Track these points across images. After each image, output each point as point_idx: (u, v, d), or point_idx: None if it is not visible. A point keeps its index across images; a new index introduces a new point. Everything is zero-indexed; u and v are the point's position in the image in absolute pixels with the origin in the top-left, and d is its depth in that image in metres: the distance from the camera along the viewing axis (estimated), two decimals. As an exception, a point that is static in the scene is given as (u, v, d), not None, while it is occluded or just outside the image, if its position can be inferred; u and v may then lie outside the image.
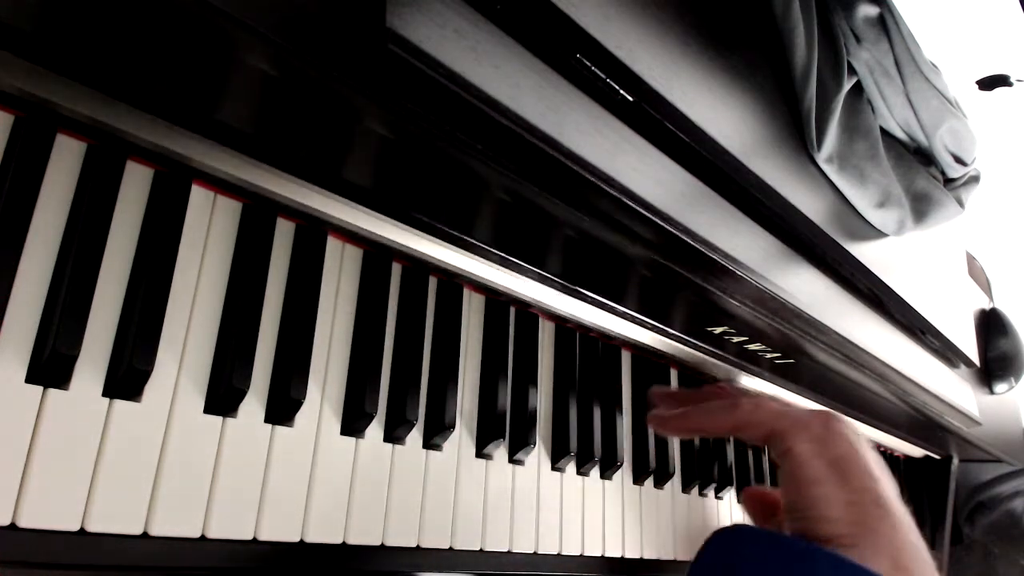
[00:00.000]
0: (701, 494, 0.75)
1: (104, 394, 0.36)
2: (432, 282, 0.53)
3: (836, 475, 0.44)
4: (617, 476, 0.65)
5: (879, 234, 0.65)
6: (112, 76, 0.33)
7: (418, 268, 0.52)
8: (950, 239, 0.87)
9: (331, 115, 0.36)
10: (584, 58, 0.40)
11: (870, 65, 0.58)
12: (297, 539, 0.41)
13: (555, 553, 0.57)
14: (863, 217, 0.63)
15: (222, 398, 0.39)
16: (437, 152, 0.38)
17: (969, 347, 0.85)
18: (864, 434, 0.49)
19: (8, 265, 0.33)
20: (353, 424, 0.45)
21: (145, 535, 0.36)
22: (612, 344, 0.68)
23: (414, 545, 0.47)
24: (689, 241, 0.47)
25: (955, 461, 1.26)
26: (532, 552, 0.55)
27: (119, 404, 0.36)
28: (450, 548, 0.49)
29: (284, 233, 0.45)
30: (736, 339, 0.65)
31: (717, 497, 0.77)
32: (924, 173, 0.66)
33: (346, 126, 0.37)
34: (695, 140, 0.46)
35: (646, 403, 0.69)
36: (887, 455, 1.20)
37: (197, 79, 0.33)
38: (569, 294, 0.55)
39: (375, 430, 0.47)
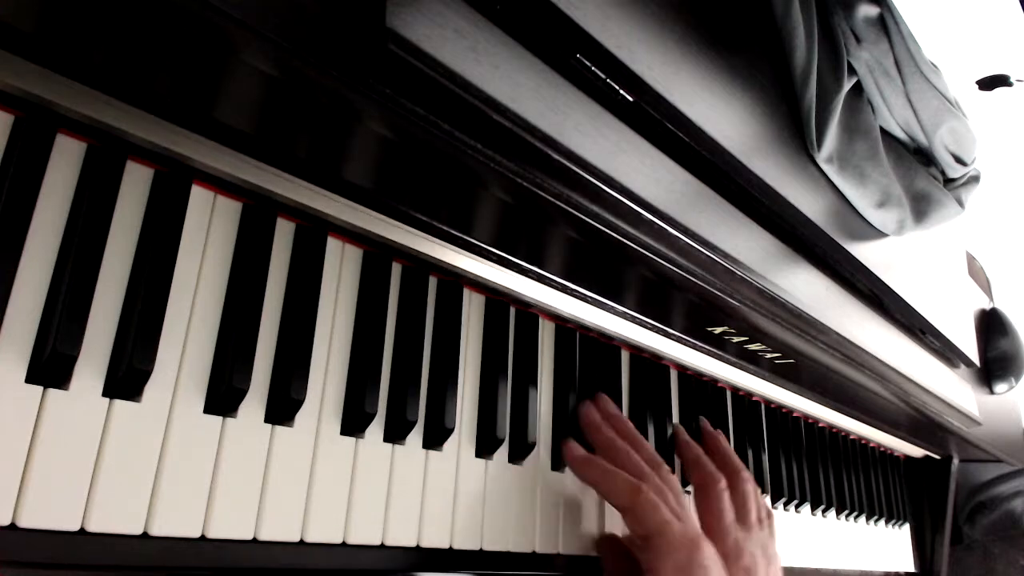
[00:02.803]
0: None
1: (104, 394, 0.36)
2: (432, 282, 0.53)
3: None
4: (617, 476, 0.64)
5: (879, 234, 0.65)
6: (112, 76, 0.33)
7: (418, 268, 0.52)
8: (950, 239, 0.87)
9: (331, 115, 0.36)
10: (584, 58, 0.40)
11: (870, 65, 0.58)
12: (297, 539, 0.41)
13: (554, 553, 0.57)
14: (863, 217, 0.63)
15: (222, 398, 0.39)
16: (437, 152, 0.38)
17: (969, 347, 0.85)
18: (750, 565, 0.55)
19: (8, 265, 0.33)
20: (353, 424, 0.45)
21: (145, 535, 0.36)
22: (612, 344, 0.68)
23: (414, 545, 0.47)
24: (689, 241, 0.47)
25: (955, 461, 1.26)
26: (531, 552, 0.55)
27: (119, 404, 0.36)
28: (450, 547, 0.49)
29: (284, 233, 0.45)
30: (736, 339, 0.65)
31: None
32: (924, 173, 0.66)
33: (346, 126, 0.37)
34: (695, 140, 0.46)
35: (646, 403, 0.69)
36: (887, 455, 1.20)
37: (197, 79, 0.33)
38: (569, 294, 0.55)
39: (375, 430, 0.47)
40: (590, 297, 0.56)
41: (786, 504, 0.88)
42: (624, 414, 0.67)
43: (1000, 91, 0.86)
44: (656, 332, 0.64)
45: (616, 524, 0.63)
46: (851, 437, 1.08)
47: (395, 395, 0.48)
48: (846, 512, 1.01)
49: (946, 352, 0.85)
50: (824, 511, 0.96)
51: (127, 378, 0.36)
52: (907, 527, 1.21)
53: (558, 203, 0.41)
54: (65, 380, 0.35)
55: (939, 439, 1.11)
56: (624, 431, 0.61)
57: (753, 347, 0.67)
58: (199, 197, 0.41)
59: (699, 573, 0.51)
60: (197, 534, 0.37)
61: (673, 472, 0.60)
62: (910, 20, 0.57)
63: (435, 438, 0.50)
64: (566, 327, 0.63)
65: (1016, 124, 0.96)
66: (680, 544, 0.52)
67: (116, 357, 0.36)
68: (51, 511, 0.33)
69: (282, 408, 0.42)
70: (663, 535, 0.52)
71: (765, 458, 0.85)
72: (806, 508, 0.92)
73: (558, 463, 0.59)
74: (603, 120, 0.41)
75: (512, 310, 0.59)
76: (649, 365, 0.71)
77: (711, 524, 0.62)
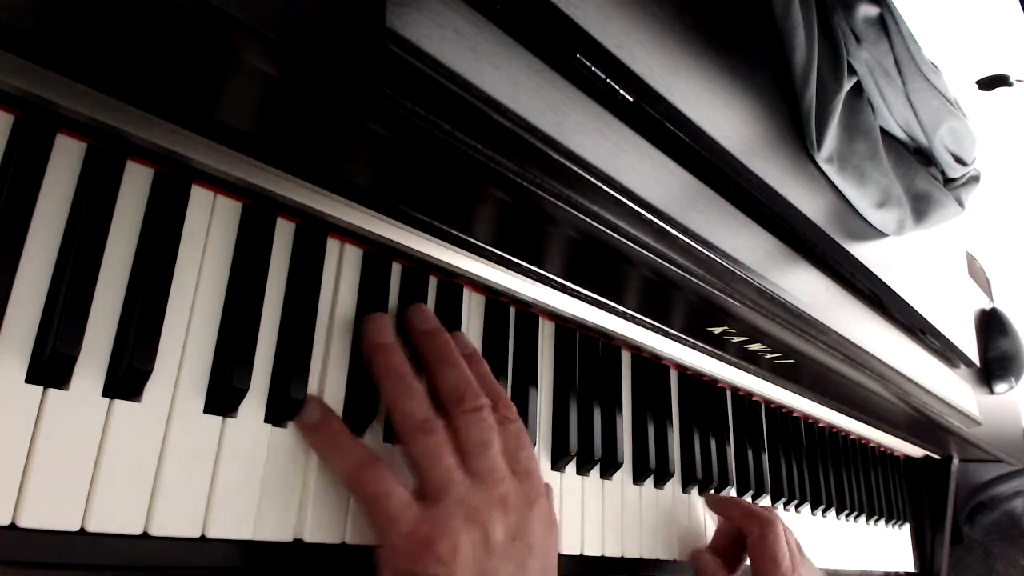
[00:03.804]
0: (701, 494, 0.75)
1: (104, 394, 0.36)
2: (432, 282, 0.53)
3: None
4: (617, 476, 0.65)
5: (879, 234, 0.66)
6: (112, 76, 0.33)
7: (418, 268, 0.52)
8: (950, 239, 0.87)
9: (331, 115, 0.36)
10: (584, 58, 0.40)
11: (870, 65, 0.58)
12: (297, 539, 0.41)
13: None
14: (863, 217, 0.63)
15: (222, 398, 0.39)
16: (437, 152, 0.38)
17: (969, 347, 0.85)
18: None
19: (8, 265, 0.33)
20: (353, 424, 0.45)
21: (145, 535, 0.36)
22: (612, 344, 0.68)
23: (414, 545, 0.47)
24: (689, 241, 0.47)
25: (955, 461, 1.26)
26: (532, 552, 0.55)
27: (119, 404, 0.36)
28: (450, 548, 0.49)
29: (284, 233, 0.45)
30: (736, 339, 0.65)
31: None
32: (924, 173, 0.66)
33: (346, 126, 0.37)
34: (695, 140, 0.46)
35: (646, 403, 0.69)
36: (887, 455, 1.20)
37: (197, 79, 0.33)
38: (569, 294, 0.55)
39: (375, 430, 0.47)
40: (590, 297, 0.56)
41: (786, 504, 0.88)
42: (625, 414, 0.67)
43: (1000, 91, 0.86)
44: (656, 332, 0.64)
45: (615, 534, 0.63)
46: (851, 437, 1.08)
47: (395, 395, 0.48)
48: (846, 512, 1.01)
49: (946, 352, 0.85)
50: (824, 511, 0.96)
51: (127, 378, 0.36)
52: (907, 527, 1.21)
53: (558, 203, 0.41)
54: (65, 380, 0.35)
55: (939, 439, 1.11)
56: (427, 355, 0.47)
57: (753, 347, 0.67)
58: (199, 197, 0.41)
59: None
60: (197, 534, 0.37)
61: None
62: (910, 20, 0.57)
63: (435, 438, 0.50)
64: (566, 327, 0.63)
65: (1016, 124, 0.96)
66: (402, 550, 0.39)
67: (116, 357, 0.36)
68: (51, 511, 0.33)
69: (282, 408, 0.42)
70: (387, 536, 0.40)
71: (765, 458, 0.85)
72: (806, 508, 0.92)
73: (558, 463, 0.59)
74: (603, 120, 0.41)
75: (512, 310, 0.59)
76: (649, 365, 0.72)
77: (771, 569, 0.66)
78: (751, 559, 0.69)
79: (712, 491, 0.76)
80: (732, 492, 0.79)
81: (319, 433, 0.43)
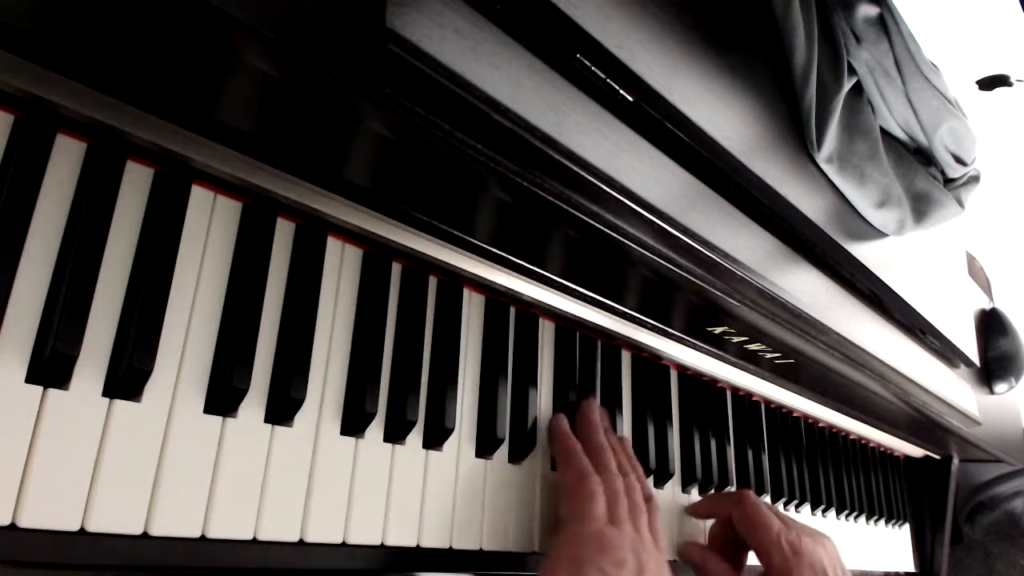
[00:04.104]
0: (701, 495, 0.75)
1: (104, 394, 0.36)
2: (432, 282, 0.53)
3: None
4: (617, 476, 0.65)
5: (879, 234, 0.65)
6: (112, 76, 0.33)
7: (418, 268, 0.52)
8: (950, 239, 0.87)
9: (331, 115, 0.36)
10: (584, 58, 0.40)
11: (870, 65, 0.58)
12: (297, 539, 0.41)
13: (555, 553, 0.57)
14: (863, 217, 0.63)
15: (222, 398, 0.39)
16: (437, 152, 0.38)
17: (969, 347, 0.85)
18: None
19: (8, 265, 0.33)
20: (353, 424, 0.45)
21: (145, 535, 0.36)
22: (612, 344, 0.68)
23: (414, 545, 0.47)
24: (689, 241, 0.47)
25: (955, 461, 1.26)
26: (531, 552, 0.55)
27: (119, 404, 0.36)
28: (449, 547, 0.49)
29: (284, 233, 0.45)
30: (736, 339, 0.65)
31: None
32: (924, 173, 0.66)
33: (346, 126, 0.37)
34: (695, 140, 0.46)
35: (646, 403, 0.69)
36: (887, 455, 1.20)
37: (197, 79, 0.33)
38: (569, 294, 0.55)
39: (375, 430, 0.47)
40: (590, 297, 0.56)
41: (786, 504, 0.88)
42: (625, 414, 0.67)
43: (1000, 91, 0.86)
44: (656, 332, 0.64)
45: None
46: (851, 437, 1.08)
47: (395, 395, 0.48)
48: (846, 512, 1.01)
49: (946, 352, 0.85)
50: (824, 511, 0.96)
51: (127, 378, 0.36)
52: (907, 527, 1.21)
53: (558, 203, 0.41)
54: (65, 380, 0.35)
55: (939, 439, 1.11)
56: (613, 440, 0.61)
57: (753, 347, 0.67)
58: (199, 197, 0.41)
59: (597, 573, 0.49)
60: (197, 534, 0.37)
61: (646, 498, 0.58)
62: (910, 20, 0.57)
63: (435, 438, 0.50)
64: (566, 327, 0.63)
65: (1016, 124, 0.96)
66: (593, 540, 0.51)
67: (116, 357, 0.36)
68: (51, 511, 0.33)
69: (282, 408, 0.42)
70: (582, 524, 0.52)
71: (765, 458, 0.85)
72: (806, 508, 0.92)
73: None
74: (603, 120, 0.41)
75: (512, 310, 0.59)
76: (649, 365, 0.71)
77: (764, 537, 0.66)
78: (744, 538, 0.68)
79: (712, 491, 0.76)
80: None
81: (565, 442, 0.57)
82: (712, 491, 0.76)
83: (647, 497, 0.59)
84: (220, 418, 0.40)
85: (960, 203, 0.69)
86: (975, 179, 0.71)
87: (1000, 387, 1.12)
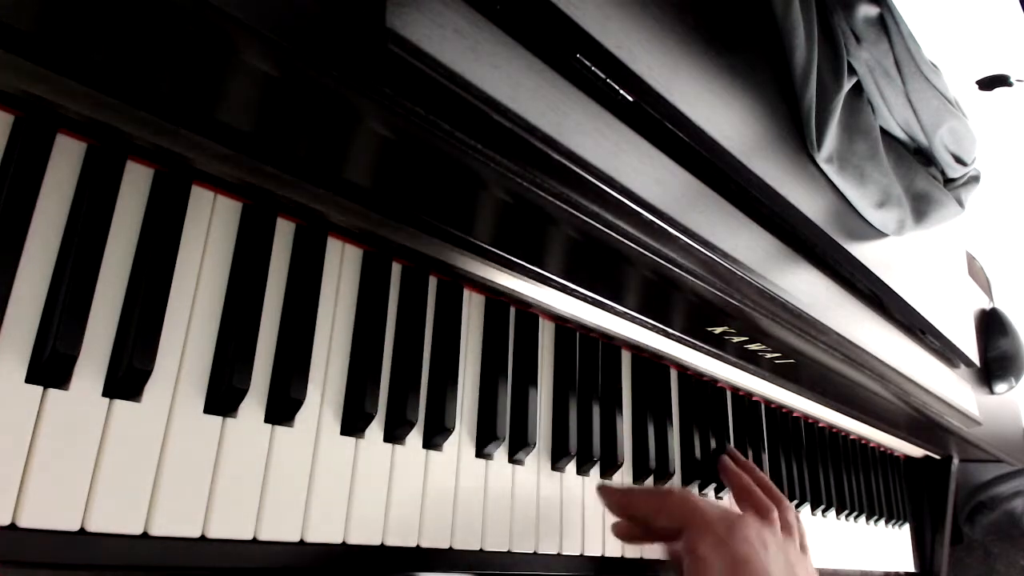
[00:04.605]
0: (701, 494, 0.75)
1: (104, 394, 0.36)
2: (432, 282, 0.53)
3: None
4: (617, 476, 0.65)
5: (879, 234, 0.65)
6: (112, 76, 0.33)
7: (418, 268, 0.52)
8: (950, 239, 0.87)
9: (331, 115, 0.36)
10: (584, 58, 0.40)
11: (870, 65, 0.58)
12: (297, 539, 0.41)
13: (555, 553, 0.57)
14: (863, 217, 0.63)
15: (222, 398, 0.39)
16: (437, 152, 0.38)
17: (969, 347, 0.85)
18: (783, 539, 0.56)
19: (8, 265, 0.33)
20: (353, 424, 0.45)
21: (145, 535, 0.36)
22: (612, 344, 0.68)
23: (414, 545, 0.47)
24: (689, 241, 0.47)
25: (955, 461, 1.26)
26: (532, 552, 0.55)
27: (119, 404, 0.36)
28: (450, 548, 0.49)
29: (284, 233, 0.45)
30: (736, 339, 0.65)
31: (717, 497, 0.77)
32: (924, 173, 0.66)
33: (346, 126, 0.37)
34: (695, 140, 0.46)
35: (646, 403, 0.69)
36: (887, 455, 1.20)
37: (197, 79, 0.33)
38: (569, 294, 0.55)
39: (375, 430, 0.47)
40: (590, 297, 0.56)
41: (786, 504, 0.88)
42: (625, 414, 0.67)
43: (1000, 91, 0.86)
44: (656, 332, 0.64)
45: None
46: (851, 437, 1.08)
47: (395, 395, 0.48)
48: (846, 512, 1.01)
49: (946, 352, 0.85)
50: (824, 511, 0.96)
51: (127, 378, 0.36)
52: (907, 527, 1.21)
53: (558, 203, 0.41)
54: (65, 380, 0.35)
55: (939, 439, 1.11)
56: (756, 476, 0.70)
57: (753, 347, 0.67)
58: (199, 197, 0.41)
59: (739, 545, 0.50)
60: (197, 534, 0.37)
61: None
62: (910, 20, 0.57)
63: (435, 438, 0.50)
64: (566, 327, 0.63)
65: (1016, 124, 0.96)
66: (716, 519, 0.53)
67: (116, 357, 0.36)
68: (51, 511, 0.33)
69: (282, 408, 0.42)
70: (697, 515, 0.53)
71: (765, 458, 0.85)
72: (806, 508, 0.92)
73: (558, 463, 0.59)
74: (603, 120, 0.41)
75: (512, 310, 0.59)
76: (649, 365, 0.71)
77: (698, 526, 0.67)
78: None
79: (712, 492, 0.76)
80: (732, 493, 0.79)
81: (629, 507, 0.59)
82: (712, 491, 0.76)
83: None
84: (220, 418, 0.40)
85: (960, 203, 0.69)
86: (975, 179, 0.71)
87: (1000, 387, 1.12)
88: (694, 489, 0.74)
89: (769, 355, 0.70)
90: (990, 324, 1.16)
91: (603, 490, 0.60)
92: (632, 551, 0.64)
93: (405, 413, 0.48)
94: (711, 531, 0.52)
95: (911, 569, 1.19)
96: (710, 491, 0.76)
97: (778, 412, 0.92)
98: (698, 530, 0.53)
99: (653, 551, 0.67)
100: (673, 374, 0.75)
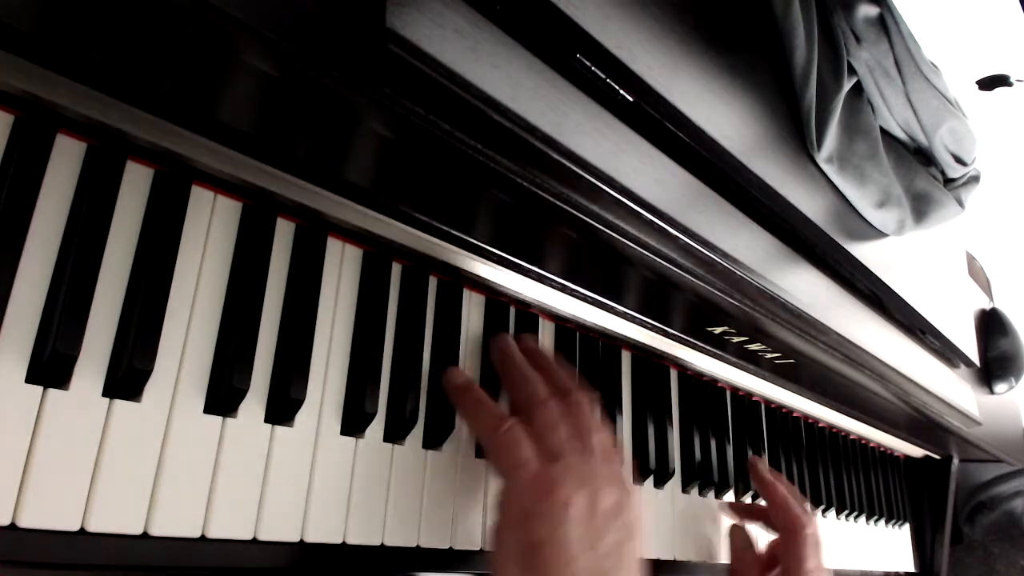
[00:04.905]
0: (701, 494, 0.75)
1: (104, 394, 0.36)
2: (432, 282, 0.53)
3: (520, 565, 0.42)
4: (617, 476, 0.64)
5: (879, 234, 0.65)
6: (112, 76, 0.33)
7: (418, 268, 0.52)
8: (950, 239, 0.87)
9: (331, 115, 0.36)
10: (584, 58, 0.40)
11: (870, 65, 0.58)
12: (297, 539, 0.41)
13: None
14: (863, 217, 0.63)
15: (222, 398, 0.39)
16: (437, 152, 0.38)
17: (969, 347, 0.85)
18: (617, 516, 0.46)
19: (8, 265, 0.33)
20: (353, 424, 0.45)
21: (145, 535, 0.36)
22: (612, 344, 0.68)
23: (414, 545, 0.47)
24: (689, 241, 0.47)
25: (955, 461, 1.26)
26: (532, 552, 0.55)
27: (119, 404, 0.36)
28: (450, 548, 0.49)
29: (284, 233, 0.45)
30: (736, 339, 0.65)
31: (717, 497, 0.77)
32: (924, 173, 0.66)
33: (346, 126, 0.37)
34: (695, 140, 0.46)
35: (646, 403, 0.69)
36: (887, 455, 1.20)
37: (197, 79, 0.33)
38: (569, 294, 0.55)
39: (375, 430, 0.47)
40: (590, 297, 0.56)
41: (786, 504, 0.88)
42: (625, 414, 0.67)
43: (1000, 91, 0.86)
44: (656, 332, 0.64)
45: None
46: (851, 437, 1.08)
47: (395, 395, 0.48)
48: (846, 512, 1.01)
49: (946, 352, 0.85)
50: (824, 511, 0.96)
51: (127, 378, 0.36)
52: (907, 527, 1.21)
53: (558, 203, 0.41)
54: (65, 380, 0.35)
55: (939, 439, 1.11)
56: (539, 362, 0.55)
57: (753, 347, 0.67)
58: (199, 197, 0.41)
59: (543, 524, 0.42)
60: (197, 534, 0.37)
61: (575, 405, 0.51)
62: (910, 20, 0.57)
63: (435, 438, 0.50)
64: (566, 327, 0.63)
65: (1016, 124, 0.96)
66: (529, 488, 0.44)
67: (116, 357, 0.36)
68: (51, 511, 0.33)
69: (282, 408, 0.42)
70: (513, 476, 0.45)
71: (765, 458, 0.85)
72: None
73: (558, 463, 0.59)
74: (603, 120, 0.41)
75: (512, 310, 0.59)
76: (649, 365, 0.71)
77: (794, 568, 0.68)
78: (781, 554, 0.70)
79: (712, 492, 0.76)
80: (732, 493, 0.79)
81: (467, 392, 0.50)
82: (712, 491, 0.76)
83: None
84: (220, 418, 0.40)
85: (960, 203, 0.69)
86: (975, 179, 0.71)
87: (1000, 387, 1.12)
88: (693, 492, 0.74)
89: (769, 355, 0.70)
90: (990, 324, 1.16)
91: (449, 373, 0.51)
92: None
93: (405, 413, 0.48)
94: (518, 500, 0.44)
95: (911, 569, 1.19)
96: (710, 491, 0.76)
97: (778, 412, 0.92)
98: (509, 493, 0.45)
99: (653, 551, 0.67)
100: (673, 374, 0.75)
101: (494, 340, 0.55)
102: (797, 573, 0.67)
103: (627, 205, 0.43)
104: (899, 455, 1.25)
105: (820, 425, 1.01)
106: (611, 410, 0.65)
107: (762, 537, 0.76)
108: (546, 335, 0.61)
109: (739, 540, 0.73)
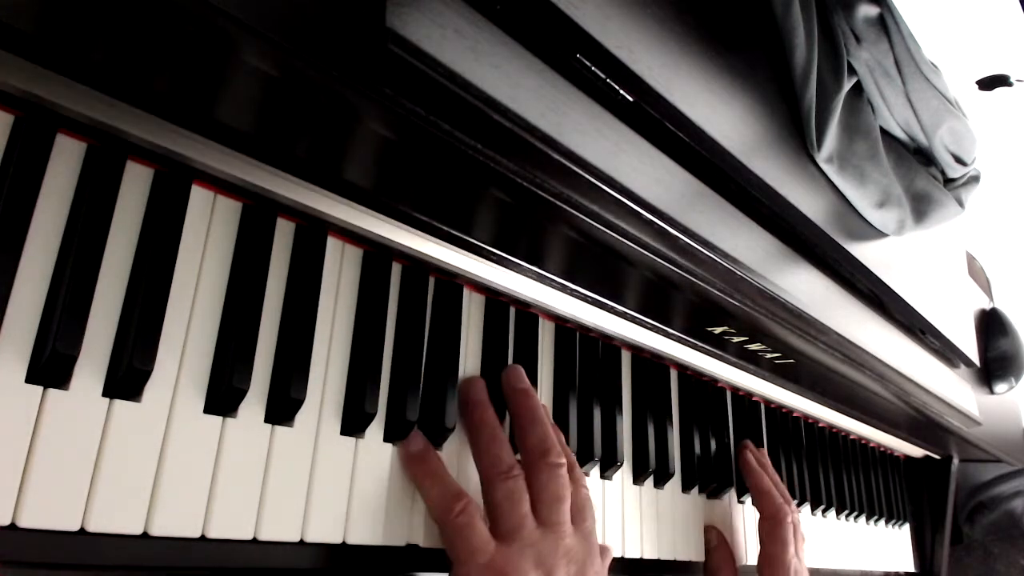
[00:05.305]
0: (701, 494, 0.75)
1: (104, 394, 0.36)
2: (432, 282, 0.53)
3: None
4: (617, 476, 0.65)
5: (879, 234, 0.65)
6: (112, 76, 0.33)
7: (418, 268, 0.52)
8: (950, 239, 0.87)
9: (331, 115, 0.36)
10: (584, 58, 0.40)
11: (870, 65, 0.58)
12: (297, 539, 0.41)
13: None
14: (863, 217, 0.63)
15: (222, 398, 0.39)
16: (437, 152, 0.38)
17: (969, 347, 0.85)
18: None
19: (8, 265, 0.33)
20: (353, 424, 0.45)
21: (145, 535, 0.36)
22: (612, 344, 0.68)
23: (414, 545, 0.47)
24: (689, 241, 0.47)
25: (955, 461, 1.26)
26: (532, 552, 0.55)
27: (119, 404, 0.36)
28: (450, 548, 0.49)
29: (284, 233, 0.45)
30: (736, 339, 0.65)
31: (717, 497, 0.77)
32: (924, 173, 0.66)
33: (346, 126, 0.37)
34: (695, 140, 0.46)
35: (646, 403, 0.69)
36: (887, 455, 1.20)
37: (197, 79, 0.33)
38: (569, 294, 0.55)
39: (375, 430, 0.47)
40: (590, 297, 0.56)
41: (786, 504, 0.88)
42: (624, 414, 0.67)
43: (1000, 91, 0.86)
44: (656, 332, 0.64)
45: (615, 534, 0.63)
46: (851, 437, 1.08)
47: (395, 395, 0.48)
48: (846, 512, 1.01)
49: (946, 352, 0.85)
50: (824, 511, 0.96)
51: (127, 378, 0.36)
52: (907, 527, 1.21)
53: (558, 203, 0.41)
54: (65, 380, 0.35)
55: (939, 439, 1.11)
56: (519, 410, 0.52)
57: (753, 347, 0.67)
58: (199, 197, 0.41)
59: None
60: (197, 534, 0.37)
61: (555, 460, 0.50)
62: (910, 20, 0.57)
63: (435, 438, 0.50)
64: (566, 327, 0.63)
65: (1016, 124, 0.96)
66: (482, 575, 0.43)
67: (116, 357, 0.36)
68: (51, 511, 0.33)
69: (282, 408, 0.42)
70: (466, 564, 0.44)
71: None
72: (806, 508, 0.92)
73: (558, 463, 0.59)
74: (603, 120, 0.41)
75: (512, 310, 0.59)
76: (649, 365, 0.71)
77: (776, 553, 0.72)
78: (761, 540, 0.74)
79: (712, 492, 0.76)
80: (732, 493, 0.79)
81: (421, 464, 0.47)
82: (712, 491, 0.76)
83: (571, 468, 0.51)
84: (220, 418, 0.40)
85: (960, 203, 0.69)
86: (975, 179, 0.71)
87: (1000, 387, 1.12)
88: (693, 492, 0.74)
89: (769, 355, 0.70)
90: (990, 324, 1.16)
91: (406, 442, 0.48)
92: (632, 551, 0.64)
93: (405, 413, 0.48)
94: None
95: (911, 569, 1.19)
96: (710, 491, 0.76)
97: (778, 412, 0.92)
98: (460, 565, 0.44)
99: (653, 551, 0.67)
100: (673, 374, 0.75)
101: (464, 384, 0.52)
102: (781, 556, 0.71)
103: (627, 205, 0.43)
104: (899, 455, 1.25)
105: (820, 425, 1.01)
106: (611, 410, 0.65)
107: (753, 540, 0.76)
108: (546, 335, 0.61)
109: (712, 539, 0.75)
